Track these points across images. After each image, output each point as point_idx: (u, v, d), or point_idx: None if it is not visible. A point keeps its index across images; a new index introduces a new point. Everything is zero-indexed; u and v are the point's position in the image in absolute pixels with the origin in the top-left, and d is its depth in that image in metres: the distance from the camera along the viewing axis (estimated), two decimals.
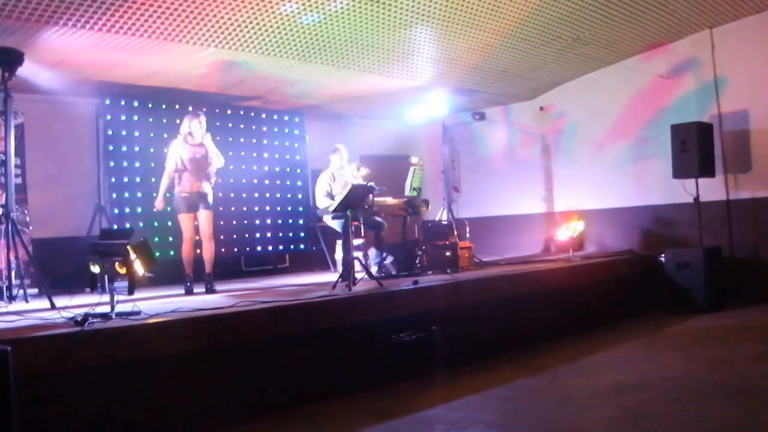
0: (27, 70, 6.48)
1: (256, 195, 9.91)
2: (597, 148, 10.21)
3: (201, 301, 5.91)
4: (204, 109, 6.97)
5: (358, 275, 6.57)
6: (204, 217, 6.99)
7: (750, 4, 8.25)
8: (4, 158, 6.34)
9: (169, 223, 8.48)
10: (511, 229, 11.17)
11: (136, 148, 8.66)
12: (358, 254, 7.11)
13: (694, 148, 8.20)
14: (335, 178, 7.97)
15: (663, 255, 8.53)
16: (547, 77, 10.10)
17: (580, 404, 4.63)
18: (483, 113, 11.53)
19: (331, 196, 7.76)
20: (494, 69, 9.23)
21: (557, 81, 10.42)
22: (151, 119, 8.82)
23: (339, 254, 8.40)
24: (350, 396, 5.12)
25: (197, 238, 7.09)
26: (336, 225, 7.73)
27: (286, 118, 10.42)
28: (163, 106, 8.92)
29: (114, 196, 8.49)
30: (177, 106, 8.82)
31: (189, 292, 6.81)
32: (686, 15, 8.33)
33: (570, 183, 10.60)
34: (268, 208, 10.07)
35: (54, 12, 5.85)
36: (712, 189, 8.63)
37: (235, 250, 9.65)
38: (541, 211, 10.98)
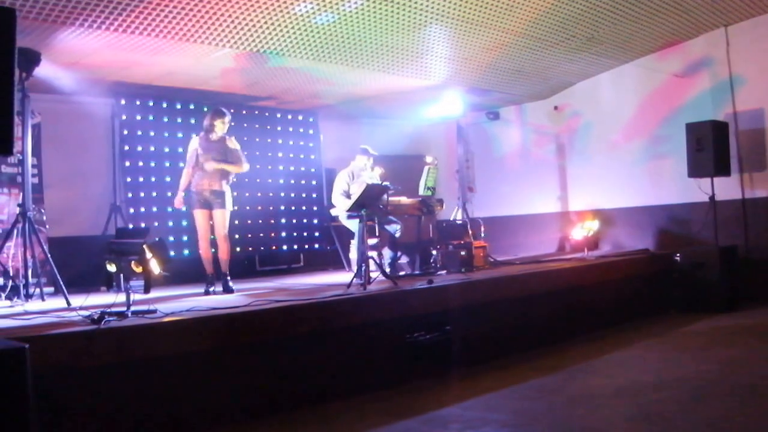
0: (44, 70, 6.53)
1: (271, 194, 9.94)
2: (612, 147, 10.16)
3: (216, 300, 5.94)
4: (232, 111, 6.83)
5: (373, 274, 6.57)
6: (218, 216, 6.83)
7: (765, 2, 8.17)
8: (21, 158, 6.40)
9: (184, 223, 8.56)
10: (526, 229, 11.15)
11: (151, 148, 8.73)
12: (373, 254, 7.11)
13: (710, 146, 8.12)
14: (354, 177, 7.97)
15: (678, 254, 8.48)
16: (561, 76, 10.07)
17: (594, 404, 4.61)
18: (497, 113, 11.53)
19: (348, 195, 7.75)
20: (508, 68, 9.21)
21: (571, 80, 10.38)
22: (166, 119, 8.88)
23: (354, 254, 8.41)
24: (364, 395, 5.13)
25: (212, 236, 6.96)
26: (351, 224, 7.73)
27: (300, 118, 10.45)
28: (178, 106, 8.97)
29: (129, 195, 8.55)
30: (192, 106, 8.89)
31: (207, 292, 6.66)
32: (701, 13, 8.27)
33: (585, 182, 10.56)
34: (282, 207, 10.09)
35: (70, 13, 5.90)
36: (727, 188, 8.56)
37: (250, 249, 9.68)
38: (556, 211, 10.94)
